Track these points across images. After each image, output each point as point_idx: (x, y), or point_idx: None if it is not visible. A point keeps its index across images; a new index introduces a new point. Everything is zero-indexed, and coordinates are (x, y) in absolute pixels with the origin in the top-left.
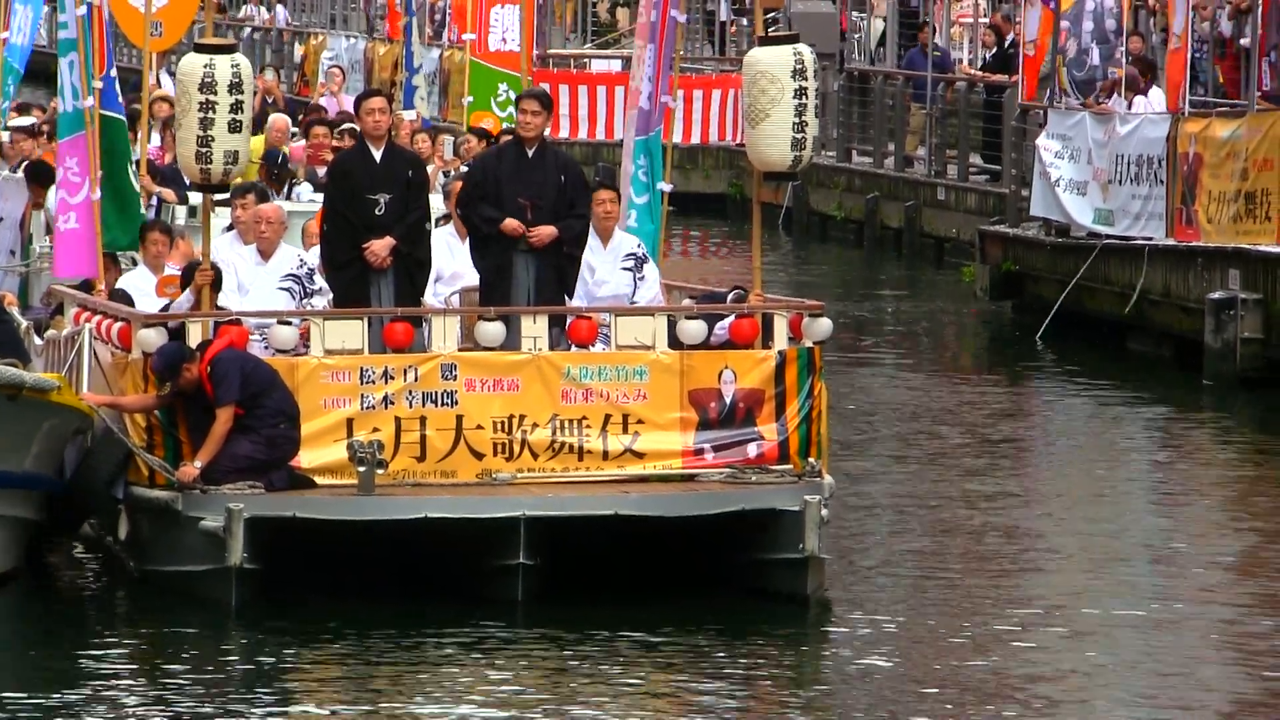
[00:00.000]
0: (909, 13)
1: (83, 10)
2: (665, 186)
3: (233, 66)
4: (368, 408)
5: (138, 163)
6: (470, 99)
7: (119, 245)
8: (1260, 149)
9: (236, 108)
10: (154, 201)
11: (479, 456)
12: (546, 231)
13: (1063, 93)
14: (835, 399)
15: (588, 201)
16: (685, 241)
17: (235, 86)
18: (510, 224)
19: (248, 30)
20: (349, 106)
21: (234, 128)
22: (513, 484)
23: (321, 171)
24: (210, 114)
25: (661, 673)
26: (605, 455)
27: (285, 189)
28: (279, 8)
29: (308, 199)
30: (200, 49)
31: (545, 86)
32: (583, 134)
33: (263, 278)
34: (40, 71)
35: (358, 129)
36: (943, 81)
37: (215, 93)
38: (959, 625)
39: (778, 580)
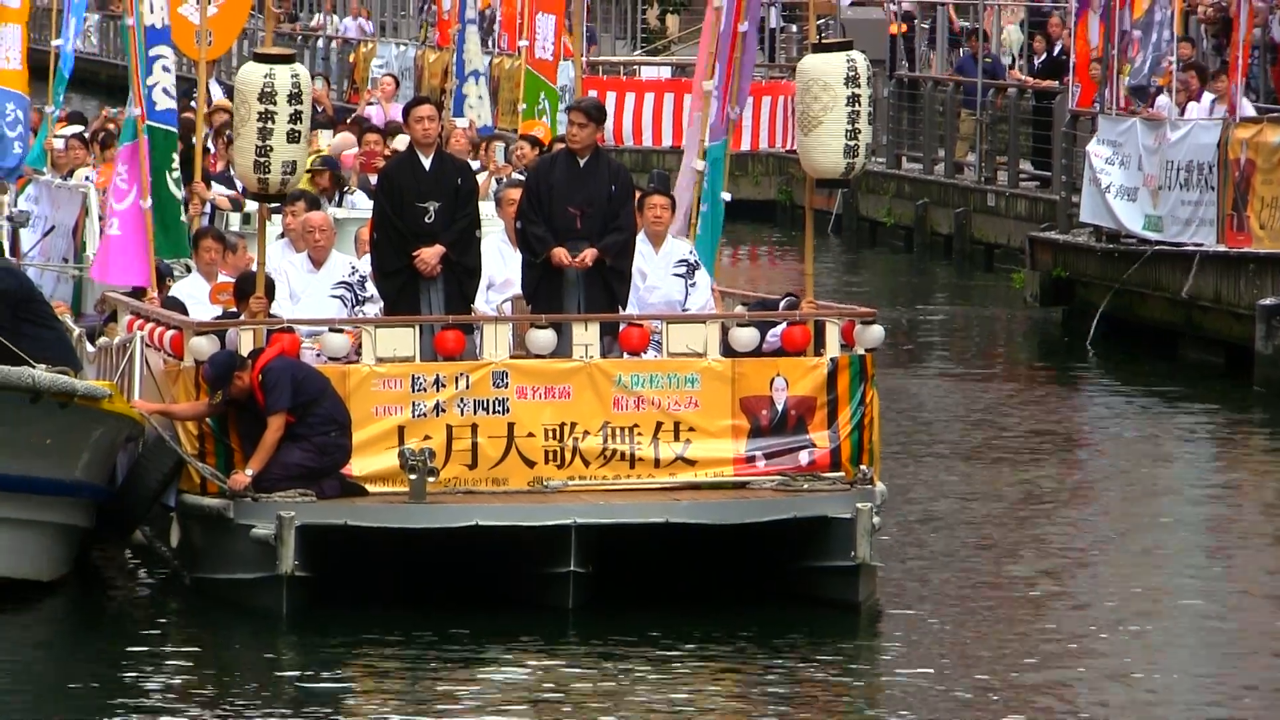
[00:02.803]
0: (1038, 22)
1: (132, 20)
2: (727, 196)
3: (292, 76)
4: (419, 415)
5: (178, 170)
6: (524, 106)
7: (160, 252)
8: None
9: (295, 118)
10: (208, 209)
11: (530, 464)
12: (589, 255)
13: (1127, 100)
14: (885, 404)
15: (630, 213)
16: (735, 248)
17: (295, 97)
18: (558, 256)
19: (300, 38)
20: (398, 116)
21: (293, 138)
22: (564, 491)
23: (374, 179)
24: (269, 124)
25: (713, 680)
26: (657, 463)
27: (337, 196)
28: (350, 18)
29: (362, 206)
30: (259, 59)
31: (594, 94)
32: (630, 141)
33: (315, 285)
34: (84, 79)
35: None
36: (993, 88)
37: (274, 103)
38: (1011, 630)
39: (829, 588)
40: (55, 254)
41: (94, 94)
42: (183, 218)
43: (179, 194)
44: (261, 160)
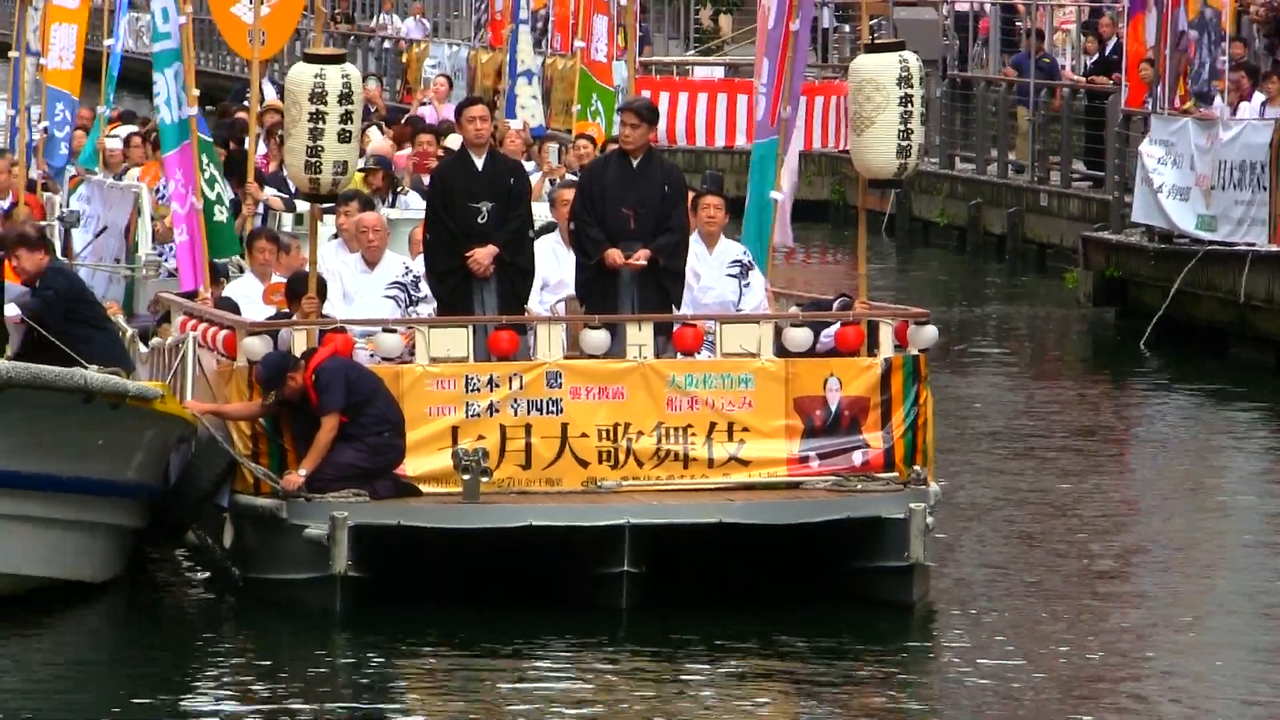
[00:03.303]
0: (1090, 21)
1: (184, 19)
2: (776, 196)
3: (343, 77)
4: (473, 416)
5: (228, 168)
6: (578, 107)
7: (210, 252)
8: None
9: (346, 118)
10: (260, 209)
11: (584, 464)
12: (642, 255)
13: (1184, 100)
14: (938, 405)
15: (683, 214)
16: (788, 248)
17: (345, 97)
18: (611, 257)
19: (351, 38)
20: (451, 116)
21: (344, 138)
22: (617, 492)
23: (427, 180)
24: (320, 124)
25: (766, 681)
26: (710, 463)
27: (391, 197)
28: (412, 19)
29: (415, 207)
30: (310, 59)
31: (647, 94)
32: (683, 141)
33: (368, 285)
34: (133, 79)
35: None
36: (1045, 88)
37: (325, 103)
38: (1066, 631)
39: (883, 588)
40: (107, 254)
41: (145, 93)
42: (216, 216)
43: (209, 194)
44: (313, 160)
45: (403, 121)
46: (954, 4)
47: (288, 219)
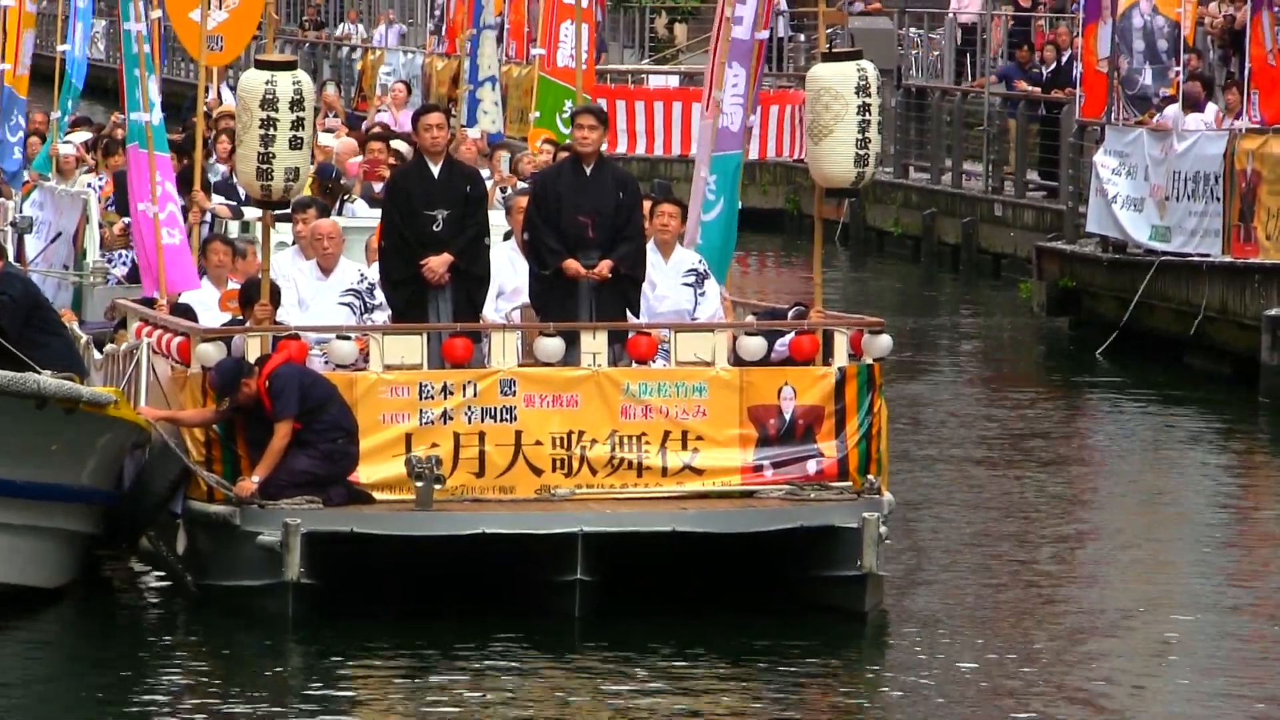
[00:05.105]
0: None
1: (138, 26)
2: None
3: (294, 83)
4: (426, 423)
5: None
6: (537, 114)
7: None
8: None
9: (298, 125)
10: (208, 218)
11: (538, 472)
12: (605, 266)
13: (1121, 110)
14: (892, 414)
15: (640, 222)
16: (743, 256)
17: (297, 103)
18: (571, 267)
19: (306, 44)
20: (408, 124)
21: (295, 145)
22: (571, 500)
23: (377, 187)
24: (272, 131)
25: (719, 689)
26: (664, 471)
27: (338, 205)
28: (384, 24)
29: (363, 215)
30: (261, 65)
31: (602, 102)
32: (640, 149)
33: (323, 293)
34: (91, 85)
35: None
36: (1000, 97)
37: (277, 110)
38: (1018, 641)
39: (836, 597)
40: (57, 260)
41: (100, 100)
42: None
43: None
44: (264, 167)
45: (362, 127)
46: (960, 16)
47: (234, 227)
